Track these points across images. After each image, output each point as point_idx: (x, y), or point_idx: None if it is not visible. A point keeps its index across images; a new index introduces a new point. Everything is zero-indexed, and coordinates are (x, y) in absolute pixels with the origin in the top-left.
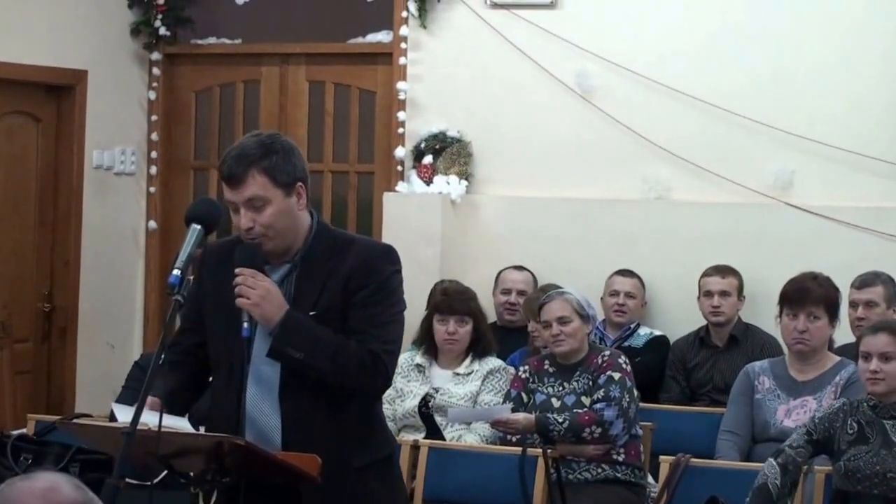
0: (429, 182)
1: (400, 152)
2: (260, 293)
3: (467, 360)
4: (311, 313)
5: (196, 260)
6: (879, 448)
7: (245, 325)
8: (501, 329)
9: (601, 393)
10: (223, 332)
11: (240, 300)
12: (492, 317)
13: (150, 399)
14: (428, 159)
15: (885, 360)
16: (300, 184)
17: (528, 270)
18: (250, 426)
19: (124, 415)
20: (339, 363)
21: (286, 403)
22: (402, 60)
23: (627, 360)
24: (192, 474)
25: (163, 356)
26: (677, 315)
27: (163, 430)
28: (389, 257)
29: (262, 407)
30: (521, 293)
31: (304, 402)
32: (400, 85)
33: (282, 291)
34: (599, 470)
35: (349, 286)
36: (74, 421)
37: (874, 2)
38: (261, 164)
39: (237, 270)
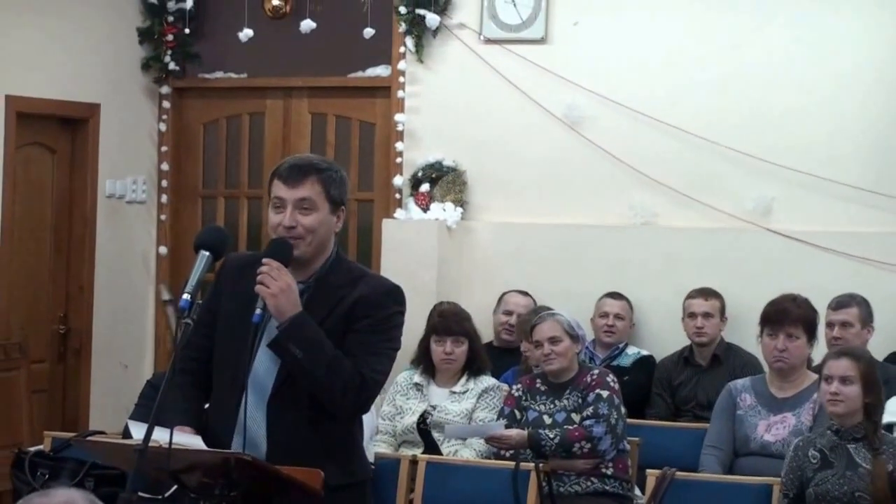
0: (426, 209)
1: (398, 181)
2: (280, 285)
3: (463, 379)
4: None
5: (216, 269)
6: (844, 470)
7: (258, 311)
8: (498, 349)
9: (590, 410)
10: (231, 338)
11: (259, 287)
12: (489, 336)
13: (182, 429)
14: (425, 187)
15: (845, 383)
16: (343, 208)
17: (531, 296)
18: (239, 433)
19: (139, 431)
20: (331, 373)
21: (273, 413)
22: (399, 94)
23: (615, 379)
24: (200, 488)
25: (176, 373)
26: (663, 335)
27: (173, 446)
28: (395, 297)
29: (254, 414)
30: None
31: (290, 413)
32: (398, 117)
33: None
34: (589, 483)
35: (353, 314)
36: (89, 438)
37: (853, 39)
38: (321, 175)
39: (265, 260)
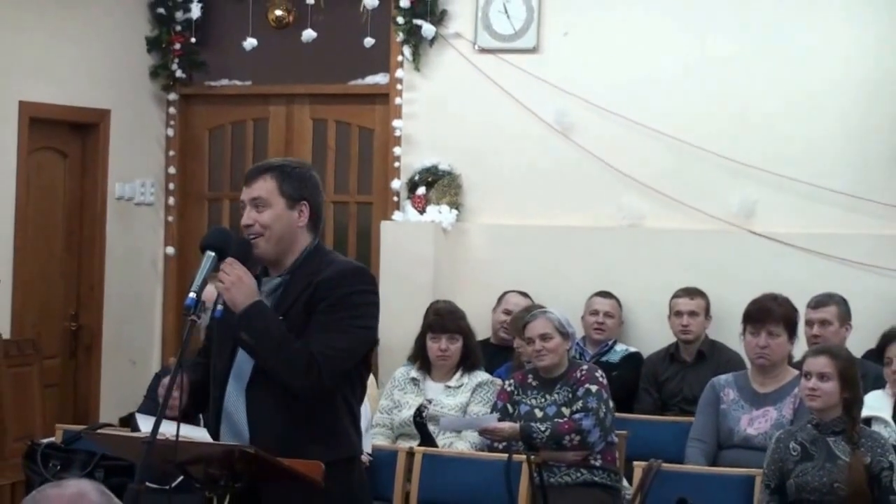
0: (422, 211)
1: (396, 184)
2: (231, 279)
3: (458, 374)
4: (281, 317)
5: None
6: (824, 462)
7: (219, 307)
8: (495, 346)
9: (580, 404)
10: (219, 335)
11: (216, 283)
12: (483, 333)
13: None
14: (421, 190)
15: (823, 379)
16: (304, 202)
17: (530, 297)
18: (226, 420)
19: (146, 424)
20: (280, 356)
21: (251, 398)
22: (397, 100)
23: (604, 374)
24: (206, 479)
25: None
26: (650, 333)
27: (180, 439)
28: (358, 277)
29: (236, 402)
30: None
31: (268, 399)
32: (396, 123)
33: (272, 299)
34: (578, 474)
35: (314, 297)
36: (99, 431)
37: (834, 48)
38: (274, 172)
39: (226, 259)
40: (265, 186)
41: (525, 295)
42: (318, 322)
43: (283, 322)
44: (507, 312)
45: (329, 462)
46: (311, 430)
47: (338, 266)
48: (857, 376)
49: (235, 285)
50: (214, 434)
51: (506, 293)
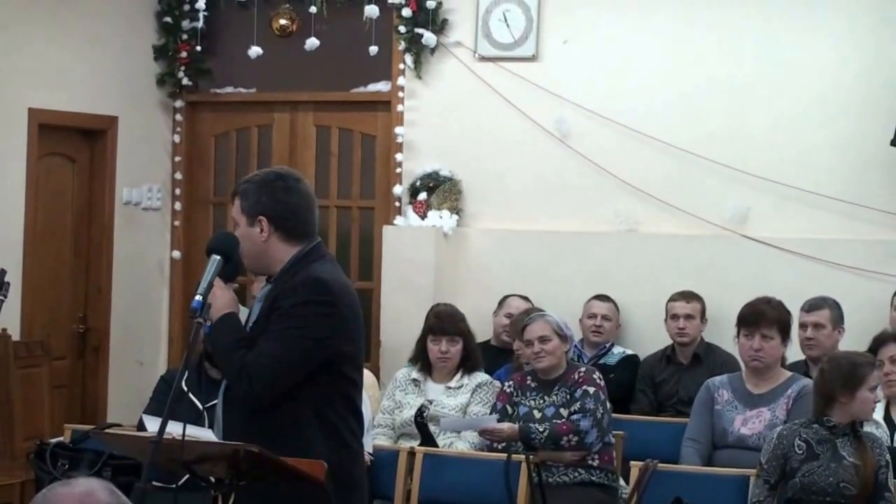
0: (423, 216)
1: (397, 190)
2: (210, 295)
3: (458, 375)
4: (248, 326)
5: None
6: (829, 462)
7: (208, 322)
8: (496, 348)
9: (578, 405)
10: None
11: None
12: (482, 335)
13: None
14: (422, 196)
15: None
16: (262, 217)
17: (530, 301)
18: (216, 426)
19: (153, 425)
20: (224, 364)
21: (226, 408)
22: (399, 108)
23: (601, 376)
24: (211, 478)
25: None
26: (647, 336)
27: (185, 438)
28: (311, 287)
29: (220, 410)
30: None
31: (236, 408)
32: (397, 129)
33: (260, 306)
34: (576, 474)
35: (272, 308)
36: (107, 430)
37: (826, 57)
38: (238, 192)
39: None
40: (235, 207)
41: (526, 299)
42: (266, 331)
43: (245, 332)
44: (509, 316)
45: None
46: (276, 438)
47: (299, 277)
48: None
49: (212, 300)
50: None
51: (507, 297)
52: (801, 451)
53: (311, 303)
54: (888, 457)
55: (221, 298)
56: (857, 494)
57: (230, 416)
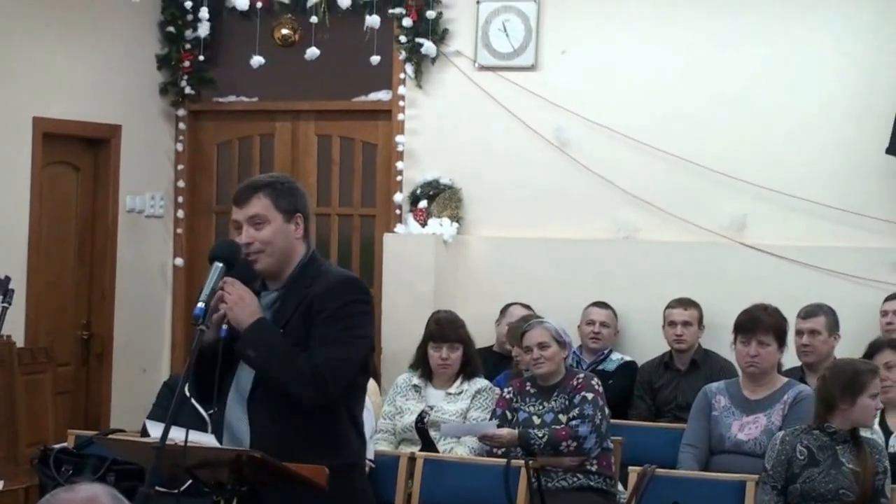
0: (424, 224)
1: (398, 198)
2: (234, 299)
3: (458, 381)
4: (281, 329)
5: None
6: (829, 468)
7: (224, 326)
8: (499, 354)
9: (576, 411)
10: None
11: (220, 304)
12: (482, 341)
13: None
14: (423, 204)
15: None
16: (299, 214)
17: (532, 309)
18: (227, 431)
19: (156, 430)
20: (285, 369)
21: (253, 409)
22: (400, 116)
23: (600, 382)
24: (214, 483)
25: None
26: (645, 342)
27: (188, 444)
28: (352, 287)
29: (237, 412)
30: None
31: (267, 411)
32: (398, 138)
33: (270, 313)
34: (575, 479)
35: (311, 310)
36: (110, 436)
37: (825, 68)
38: (266, 190)
39: (224, 279)
40: (261, 204)
41: (528, 307)
42: (317, 335)
43: (284, 336)
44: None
45: (330, 469)
46: (311, 439)
47: (330, 278)
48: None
49: (238, 305)
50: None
51: (509, 305)
52: (802, 457)
53: (357, 302)
54: (887, 463)
55: (252, 303)
56: (855, 501)
57: (259, 417)
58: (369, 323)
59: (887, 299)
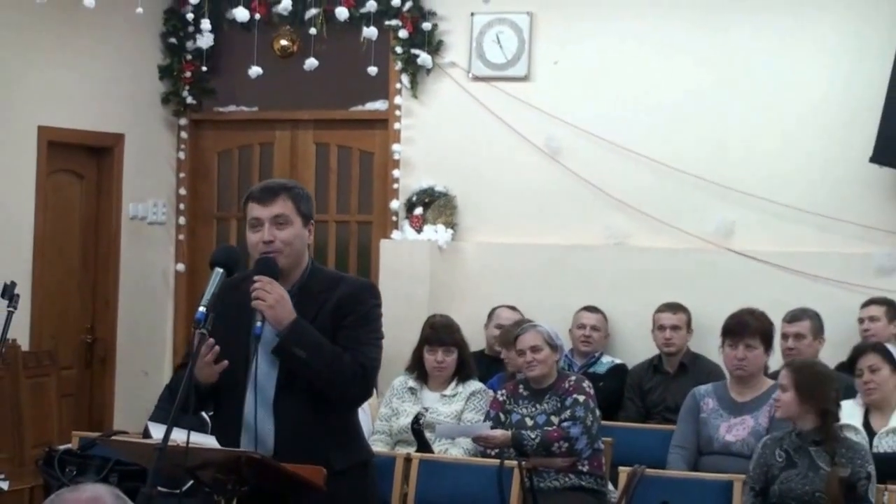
0: (419, 230)
1: (394, 205)
2: (275, 297)
3: (453, 384)
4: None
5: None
6: (807, 471)
7: (258, 324)
8: (489, 357)
9: (568, 413)
10: (230, 349)
11: (256, 302)
12: (476, 344)
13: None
14: (418, 211)
15: (783, 390)
16: (312, 222)
17: (519, 311)
18: (246, 431)
19: (158, 432)
20: (335, 368)
21: (279, 410)
22: (396, 126)
23: (591, 385)
24: (214, 483)
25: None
26: (634, 345)
27: (190, 445)
28: (372, 292)
29: (259, 412)
30: None
31: (294, 409)
32: (394, 147)
33: None
34: (567, 479)
35: (338, 313)
36: (113, 437)
37: (808, 79)
38: (291, 192)
39: (256, 277)
40: (286, 205)
41: (514, 309)
42: (351, 336)
43: None
44: (500, 327)
45: (350, 466)
46: (334, 438)
47: (353, 282)
48: (821, 388)
49: (279, 303)
50: (234, 444)
51: (496, 308)
52: (780, 460)
53: (378, 306)
54: (871, 468)
55: (289, 302)
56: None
57: (286, 418)
58: (381, 325)
59: (864, 305)
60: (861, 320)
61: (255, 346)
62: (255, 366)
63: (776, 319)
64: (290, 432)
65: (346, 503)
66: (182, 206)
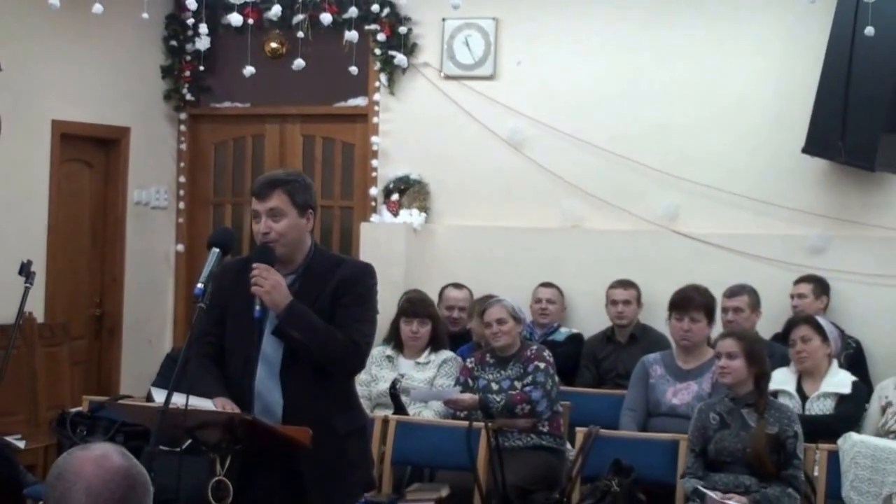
0: (396, 214)
1: (373, 191)
2: (271, 283)
3: (426, 352)
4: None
5: (216, 275)
6: (739, 430)
7: (257, 308)
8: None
9: (530, 378)
10: (239, 327)
11: (255, 288)
12: None
13: (221, 400)
14: (395, 197)
15: (731, 357)
16: (311, 210)
17: (467, 288)
18: (258, 400)
19: (160, 396)
20: (328, 346)
21: (286, 380)
22: (375, 120)
23: (550, 354)
24: (211, 442)
25: (192, 348)
26: (590, 318)
27: (188, 408)
28: (370, 273)
29: (268, 384)
30: (461, 309)
31: (300, 379)
32: (373, 139)
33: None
34: (529, 439)
35: (337, 293)
36: (119, 401)
37: (745, 70)
38: (285, 186)
39: (254, 265)
40: (280, 199)
41: (461, 287)
42: (348, 314)
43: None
44: (450, 308)
45: (351, 430)
46: (336, 405)
47: (352, 265)
48: (762, 354)
49: (276, 289)
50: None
51: (444, 288)
52: (714, 422)
53: (374, 285)
54: (797, 427)
55: (284, 287)
56: (753, 457)
57: (292, 387)
58: (377, 301)
59: (795, 283)
60: (792, 296)
61: (257, 327)
62: (261, 342)
63: (717, 295)
64: (295, 400)
65: (350, 463)
66: (182, 193)
